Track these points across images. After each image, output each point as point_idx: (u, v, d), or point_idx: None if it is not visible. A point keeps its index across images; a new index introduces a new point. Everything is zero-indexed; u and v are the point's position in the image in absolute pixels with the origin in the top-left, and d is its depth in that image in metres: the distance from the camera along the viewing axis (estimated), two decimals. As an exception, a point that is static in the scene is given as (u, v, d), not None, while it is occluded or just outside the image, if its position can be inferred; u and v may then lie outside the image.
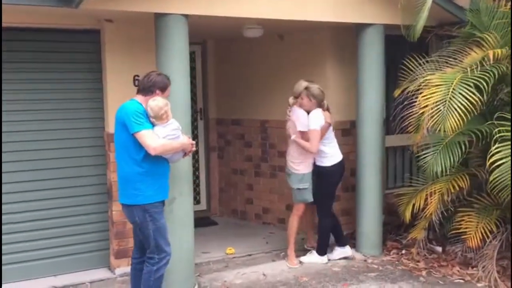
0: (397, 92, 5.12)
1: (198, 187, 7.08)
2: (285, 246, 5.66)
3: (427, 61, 5.00)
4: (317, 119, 4.96)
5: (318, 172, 5.13)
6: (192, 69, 6.96)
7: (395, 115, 5.25)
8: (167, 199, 3.99)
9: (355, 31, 5.35)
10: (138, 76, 4.89)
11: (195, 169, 7.04)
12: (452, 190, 4.69)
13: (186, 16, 4.38)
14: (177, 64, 4.35)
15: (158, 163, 3.80)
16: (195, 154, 7.03)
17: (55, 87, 4.77)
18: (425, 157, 4.50)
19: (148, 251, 3.86)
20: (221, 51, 6.92)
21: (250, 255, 5.51)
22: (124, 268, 4.94)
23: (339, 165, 5.17)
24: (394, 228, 5.94)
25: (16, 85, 4.62)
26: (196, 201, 7.10)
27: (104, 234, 5.05)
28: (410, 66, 5.08)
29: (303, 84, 5.03)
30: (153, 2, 4.21)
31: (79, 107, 4.89)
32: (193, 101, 7.00)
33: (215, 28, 5.85)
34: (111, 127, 4.81)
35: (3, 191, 4.58)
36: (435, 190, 4.77)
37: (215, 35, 6.58)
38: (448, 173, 4.67)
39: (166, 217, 4.42)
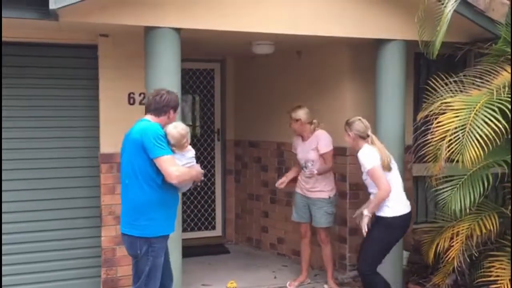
0: (419, 116, 4.54)
1: (214, 212, 6.74)
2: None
3: (453, 81, 4.39)
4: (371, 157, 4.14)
5: (376, 220, 4.23)
6: (211, 87, 6.69)
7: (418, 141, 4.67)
8: (173, 232, 3.64)
9: (374, 47, 4.85)
10: (133, 93, 4.65)
11: (211, 192, 6.73)
12: (478, 232, 4.04)
13: (177, 30, 4.07)
14: (166, 82, 4.03)
15: (171, 192, 3.50)
16: (211, 177, 6.71)
17: (51, 104, 4.60)
18: (442, 193, 3.89)
19: (135, 286, 3.50)
20: (239, 69, 6.59)
21: (253, 290, 5.05)
22: (112, 299, 4.65)
23: (404, 219, 4.15)
24: (420, 268, 5.29)
25: (11, 101, 4.46)
26: (211, 226, 6.77)
27: (96, 260, 4.76)
28: (435, 87, 4.50)
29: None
30: (139, 15, 3.93)
31: (74, 126, 4.68)
32: (210, 121, 6.72)
33: (229, 45, 5.54)
34: (104, 147, 4.59)
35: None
36: (458, 231, 4.13)
37: (233, 52, 6.26)
38: (472, 210, 4.03)
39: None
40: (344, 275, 5.36)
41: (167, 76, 4.04)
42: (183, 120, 6.64)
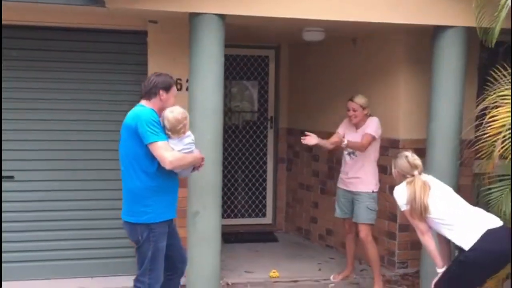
0: (476, 109, 4.23)
1: (264, 200, 6.72)
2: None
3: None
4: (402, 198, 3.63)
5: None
6: (265, 74, 6.64)
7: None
8: (175, 217, 3.63)
9: (433, 35, 4.56)
10: (180, 79, 4.68)
11: (262, 180, 6.71)
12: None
13: (222, 16, 4.03)
14: (209, 67, 4.03)
15: (169, 177, 3.46)
16: (264, 164, 6.68)
17: (100, 87, 4.71)
18: (494, 192, 3.61)
19: (139, 273, 3.52)
20: (294, 56, 6.47)
21: (295, 281, 4.97)
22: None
23: (486, 244, 3.29)
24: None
25: (61, 84, 4.64)
26: (262, 213, 6.76)
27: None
28: (497, 78, 4.16)
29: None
30: (183, 1, 3.93)
31: (123, 109, 4.71)
32: (263, 108, 6.67)
33: (281, 32, 5.45)
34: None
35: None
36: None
37: (287, 39, 6.15)
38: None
39: (189, 231, 4.18)
40: (392, 272, 5.17)
41: (209, 62, 4.02)
42: (236, 104, 6.74)
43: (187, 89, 4.60)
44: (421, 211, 3.44)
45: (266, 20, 4.28)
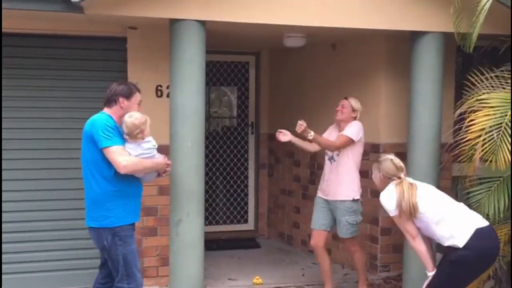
0: (455, 113, 4.30)
1: (246, 206, 6.70)
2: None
3: (495, 77, 4.12)
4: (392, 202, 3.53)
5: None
6: (245, 80, 6.64)
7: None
8: (138, 221, 3.62)
9: (410, 40, 4.62)
10: (161, 86, 4.65)
11: (244, 186, 6.69)
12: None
13: (202, 22, 4.02)
14: (190, 73, 4.01)
15: (130, 182, 3.47)
16: (245, 170, 6.66)
17: (79, 95, 4.64)
18: (475, 195, 3.65)
19: (116, 280, 3.48)
20: (274, 62, 6.49)
21: (279, 287, 4.96)
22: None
23: (478, 242, 3.31)
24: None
25: (37, 91, 4.56)
26: (244, 220, 6.74)
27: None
28: (474, 82, 4.23)
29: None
30: (162, 7, 3.91)
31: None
32: (244, 114, 6.67)
33: (262, 38, 5.46)
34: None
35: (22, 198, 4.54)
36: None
37: (267, 45, 6.17)
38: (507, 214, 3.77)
39: (172, 239, 4.13)
40: (375, 276, 5.19)
41: (190, 68, 4.00)
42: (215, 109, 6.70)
43: (168, 96, 4.58)
44: (410, 211, 3.40)
45: (246, 26, 4.29)
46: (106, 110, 3.51)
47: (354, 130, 4.47)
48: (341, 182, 4.48)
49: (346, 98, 4.55)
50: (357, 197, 4.52)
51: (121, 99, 3.47)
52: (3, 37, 4.34)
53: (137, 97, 3.55)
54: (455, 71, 5.32)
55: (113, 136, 3.35)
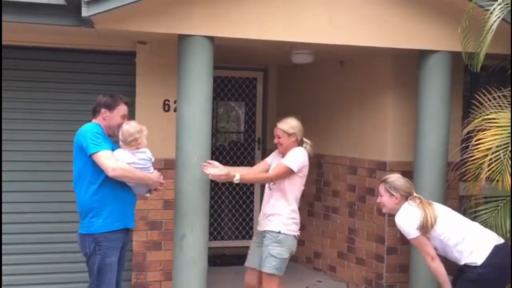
0: (462, 132, 4.28)
1: (252, 222, 6.66)
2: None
3: (502, 96, 4.11)
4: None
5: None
6: (253, 96, 6.65)
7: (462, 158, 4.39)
8: (129, 228, 3.61)
9: (418, 59, 4.62)
10: (168, 100, 4.68)
11: (249, 202, 6.67)
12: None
13: (211, 38, 4.05)
14: (197, 89, 4.02)
15: (119, 189, 3.49)
16: (250, 186, 6.65)
17: (88, 108, 4.67)
18: (481, 214, 3.62)
19: (89, 284, 3.51)
20: (282, 78, 6.51)
21: (282, 305, 4.90)
22: (140, 303, 4.68)
23: (497, 259, 3.26)
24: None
25: (48, 104, 4.60)
26: (249, 236, 6.69)
27: (127, 264, 4.79)
28: (482, 101, 4.22)
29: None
30: (171, 23, 3.94)
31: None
32: (251, 129, 6.67)
33: (269, 54, 5.49)
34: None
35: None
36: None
37: (275, 61, 6.20)
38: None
39: (176, 253, 4.10)
40: (380, 296, 5.14)
41: (197, 83, 4.02)
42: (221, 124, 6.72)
43: (175, 110, 4.60)
44: (432, 223, 3.30)
45: (254, 43, 4.32)
46: (93, 120, 3.60)
47: (294, 159, 3.87)
48: (272, 214, 3.90)
49: (276, 125, 4.04)
50: (285, 231, 3.85)
51: (103, 110, 3.56)
52: (13, 50, 4.41)
53: (120, 109, 3.59)
54: (463, 90, 5.32)
55: (101, 142, 3.41)
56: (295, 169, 3.83)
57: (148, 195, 3.76)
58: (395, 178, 3.48)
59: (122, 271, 3.72)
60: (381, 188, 3.52)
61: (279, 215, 3.85)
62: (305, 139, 4.01)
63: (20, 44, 4.43)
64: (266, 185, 4.04)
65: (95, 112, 3.59)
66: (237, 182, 3.78)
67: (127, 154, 3.49)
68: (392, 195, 3.44)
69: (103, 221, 3.44)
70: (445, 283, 3.37)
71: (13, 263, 4.53)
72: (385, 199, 3.48)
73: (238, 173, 3.75)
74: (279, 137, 3.98)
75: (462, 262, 3.33)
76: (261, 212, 4.05)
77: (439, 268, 3.33)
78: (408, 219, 3.36)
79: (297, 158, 3.87)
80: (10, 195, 4.51)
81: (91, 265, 3.47)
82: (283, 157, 3.97)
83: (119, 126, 3.56)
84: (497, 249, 3.26)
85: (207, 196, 4.16)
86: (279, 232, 3.81)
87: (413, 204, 3.40)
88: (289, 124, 3.96)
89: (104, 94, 3.67)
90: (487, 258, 3.23)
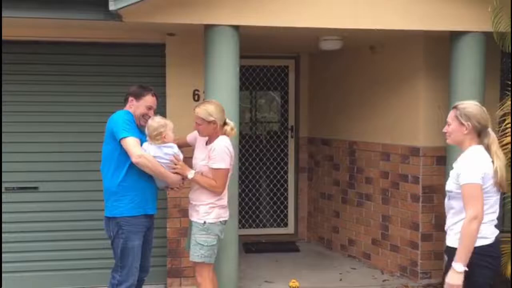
0: (496, 114, 4.15)
1: (286, 209, 6.70)
2: (363, 286, 5.00)
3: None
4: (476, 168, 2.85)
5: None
6: (285, 84, 6.65)
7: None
8: (151, 214, 3.73)
9: (449, 41, 4.50)
10: (198, 90, 4.75)
11: (284, 190, 6.69)
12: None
13: (236, 27, 4.08)
14: (224, 78, 4.08)
15: (143, 177, 3.61)
16: (284, 174, 6.67)
17: (119, 100, 4.80)
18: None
19: (113, 267, 3.67)
20: (314, 66, 6.47)
21: (315, 291, 4.95)
22: (175, 287, 4.80)
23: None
24: (499, 283, 4.83)
25: (81, 97, 4.74)
26: (284, 223, 6.74)
27: (162, 250, 4.93)
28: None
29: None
30: (196, 13, 4.00)
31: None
32: (284, 118, 6.68)
33: (299, 42, 5.47)
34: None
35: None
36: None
37: (306, 49, 6.16)
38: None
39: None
40: (415, 283, 5.07)
41: (224, 73, 4.07)
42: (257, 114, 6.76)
43: (204, 100, 4.67)
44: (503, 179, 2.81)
45: (280, 30, 4.31)
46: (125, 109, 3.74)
47: (220, 158, 3.65)
48: (196, 203, 3.77)
49: (194, 110, 3.74)
50: (211, 221, 3.72)
51: (130, 99, 3.69)
52: (43, 44, 4.59)
53: (147, 99, 3.69)
54: (501, 71, 5.15)
55: (130, 129, 3.54)
56: (229, 166, 3.70)
57: (165, 190, 3.88)
58: (469, 104, 2.94)
59: (149, 256, 3.85)
60: (451, 115, 3.00)
61: (203, 206, 3.71)
62: (227, 120, 3.78)
63: (47, 39, 4.58)
64: (197, 170, 3.75)
65: (125, 101, 3.74)
66: (190, 176, 3.65)
67: (153, 148, 3.59)
68: (462, 124, 2.91)
69: (125, 206, 3.58)
70: (469, 253, 2.80)
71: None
72: (453, 128, 2.96)
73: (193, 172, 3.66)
74: (198, 124, 3.72)
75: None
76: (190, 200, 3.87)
77: (476, 233, 2.78)
78: (475, 161, 2.83)
79: (223, 155, 3.65)
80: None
81: (115, 247, 3.63)
82: (207, 142, 3.78)
83: (144, 116, 3.66)
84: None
85: (236, 184, 4.22)
86: (205, 223, 3.69)
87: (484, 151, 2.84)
88: (207, 111, 3.67)
89: (136, 85, 3.79)
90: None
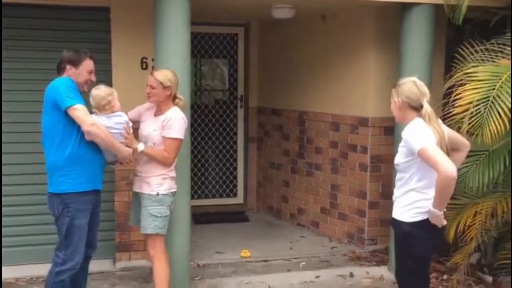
0: (443, 87, 4.25)
1: (235, 179, 6.68)
2: (312, 253, 5.09)
3: (485, 50, 4.06)
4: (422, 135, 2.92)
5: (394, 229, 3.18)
6: (234, 52, 6.53)
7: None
8: (98, 190, 3.52)
9: (400, 12, 4.54)
10: (146, 58, 4.56)
11: (233, 160, 6.66)
12: (500, 212, 3.79)
13: (186, -8, 3.91)
14: (174, 46, 3.91)
15: (90, 150, 3.38)
16: (234, 144, 6.63)
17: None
18: (461, 168, 3.64)
19: (56, 246, 3.45)
20: (264, 34, 6.39)
21: (266, 260, 4.97)
22: (124, 262, 4.70)
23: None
24: (442, 246, 5.06)
25: (14, 63, 4.43)
26: (233, 193, 6.73)
27: (110, 224, 4.79)
28: (465, 55, 4.17)
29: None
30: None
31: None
32: (233, 87, 6.59)
33: (250, 9, 5.35)
34: (117, 112, 4.53)
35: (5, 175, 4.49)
36: (479, 210, 3.89)
37: (256, 16, 6.05)
38: (498, 189, 3.78)
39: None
40: (362, 249, 5.23)
41: (174, 40, 3.89)
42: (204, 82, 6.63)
43: (153, 68, 4.49)
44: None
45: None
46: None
47: (179, 127, 3.59)
48: (147, 174, 3.68)
49: (152, 73, 3.71)
50: (164, 192, 3.67)
51: (68, 67, 3.40)
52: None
53: (86, 64, 3.44)
54: (446, 44, 5.26)
55: (75, 96, 3.28)
56: (183, 137, 3.65)
57: (113, 165, 3.68)
58: (404, 81, 3.03)
59: (96, 232, 3.68)
60: (392, 93, 3.09)
61: (154, 177, 3.64)
62: (178, 95, 3.72)
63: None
64: (150, 143, 3.65)
65: (59, 69, 3.43)
66: (140, 150, 3.55)
67: (103, 119, 3.38)
68: (395, 100, 3.02)
69: (72, 181, 3.34)
70: (443, 206, 2.90)
71: None
72: (392, 105, 3.07)
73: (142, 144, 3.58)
74: (152, 88, 3.61)
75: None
76: (136, 173, 3.77)
77: (451, 189, 2.79)
78: (417, 130, 2.90)
79: (180, 125, 3.60)
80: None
81: (60, 226, 3.40)
82: (156, 113, 3.70)
83: (86, 82, 3.44)
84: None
85: (188, 155, 4.11)
86: (158, 194, 3.63)
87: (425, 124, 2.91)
88: (166, 76, 3.61)
89: (68, 50, 3.50)
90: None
